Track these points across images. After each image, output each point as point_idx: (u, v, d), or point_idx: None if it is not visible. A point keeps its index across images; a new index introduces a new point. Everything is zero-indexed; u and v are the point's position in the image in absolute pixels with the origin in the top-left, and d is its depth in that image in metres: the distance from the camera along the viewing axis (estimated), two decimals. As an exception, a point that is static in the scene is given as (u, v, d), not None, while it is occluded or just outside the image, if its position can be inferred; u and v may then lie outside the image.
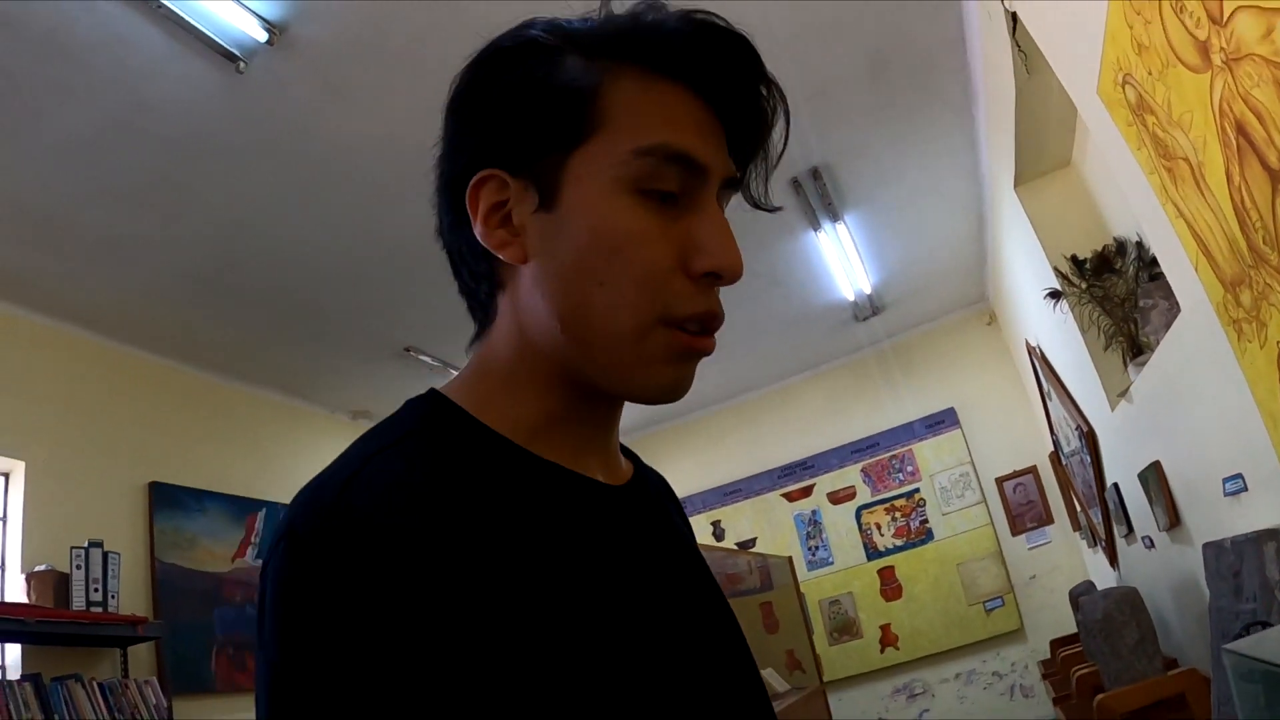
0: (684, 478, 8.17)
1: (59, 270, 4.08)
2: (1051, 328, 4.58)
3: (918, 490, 7.36)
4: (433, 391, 0.71)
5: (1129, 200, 2.73)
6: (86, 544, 3.95)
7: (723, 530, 7.99)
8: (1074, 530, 6.46)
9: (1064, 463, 5.70)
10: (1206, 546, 2.70)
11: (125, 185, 3.65)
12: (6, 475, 4.07)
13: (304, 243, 4.33)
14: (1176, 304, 2.71)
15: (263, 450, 5.63)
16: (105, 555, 3.99)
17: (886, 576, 7.30)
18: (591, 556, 0.66)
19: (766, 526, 7.84)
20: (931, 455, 7.37)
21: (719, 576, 3.91)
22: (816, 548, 7.62)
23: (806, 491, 7.77)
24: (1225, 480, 2.65)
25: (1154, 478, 3.43)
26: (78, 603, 3.81)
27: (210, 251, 4.23)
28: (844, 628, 7.33)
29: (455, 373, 0.81)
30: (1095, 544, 5.44)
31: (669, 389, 0.69)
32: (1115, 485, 4.28)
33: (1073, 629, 5.36)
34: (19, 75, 3.00)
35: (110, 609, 3.93)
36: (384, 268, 4.51)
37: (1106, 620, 3.35)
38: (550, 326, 0.68)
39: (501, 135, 0.68)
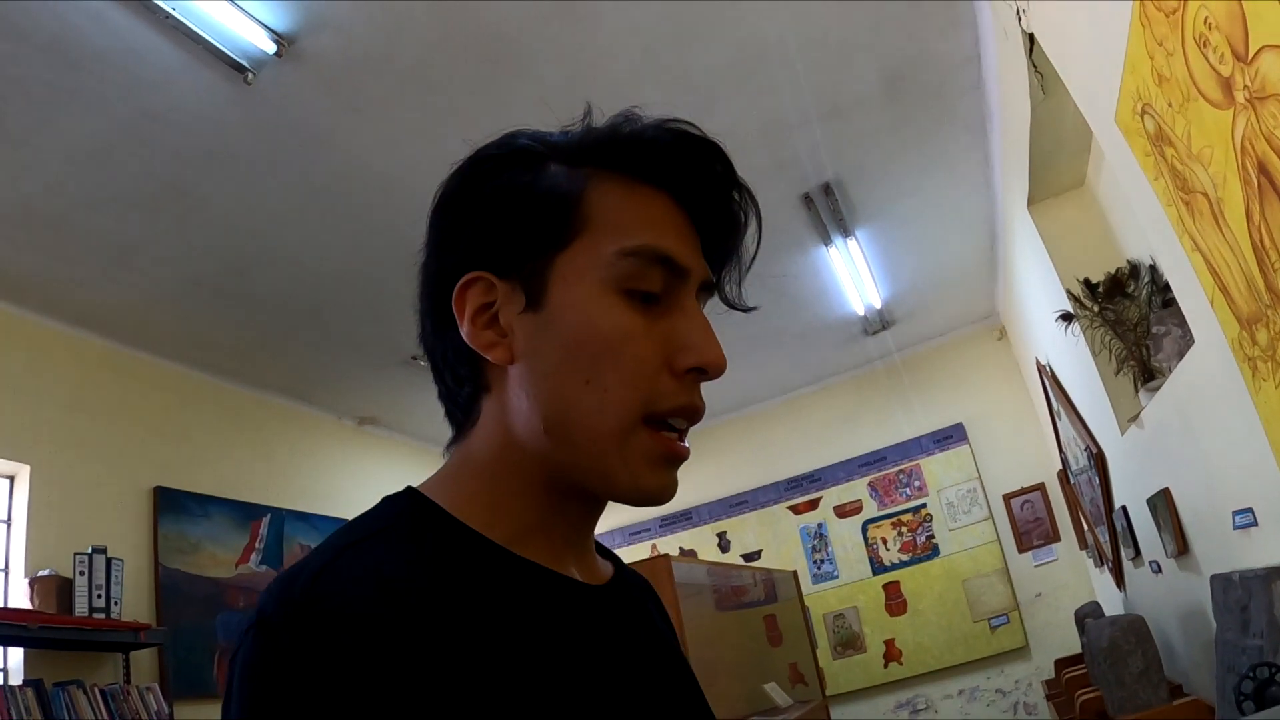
0: (690, 488, 8.15)
1: (67, 274, 4.09)
2: (1062, 348, 4.55)
3: (924, 505, 7.33)
4: (410, 489, 0.71)
5: (1145, 229, 2.70)
6: (90, 549, 3.95)
7: (728, 542, 7.97)
8: (1081, 549, 6.42)
9: (1072, 481, 5.67)
10: (1215, 579, 2.67)
11: (134, 192, 3.65)
12: (11, 479, 4.07)
13: (311, 251, 4.33)
14: (1189, 332, 2.68)
15: (268, 456, 5.62)
16: (109, 561, 3.99)
17: (891, 591, 7.27)
18: (565, 655, 0.65)
19: (772, 539, 7.82)
20: (939, 470, 7.34)
21: (724, 589, 3.89)
22: (822, 561, 7.59)
23: (813, 504, 7.74)
24: (1235, 513, 2.62)
25: (1163, 505, 3.40)
26: (80, 608, 3.81)
27: (218, 258, 4.23)
28: (848, 642, 7.30)
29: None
30: (1102, 564, 5.41)
31: (654, 493, 0.70)
32: (1124, 508, 4.25)
33: (1078, 648, 5.33)
34: (30, 82, 3.00)
35: (113, 615, 3.93)
36: (390, 276, 4.48)
37: (1112, 648, 3.32)
38: (535, 428, 0.68)
39: (489, 238, 0.70)
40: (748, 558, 7.71)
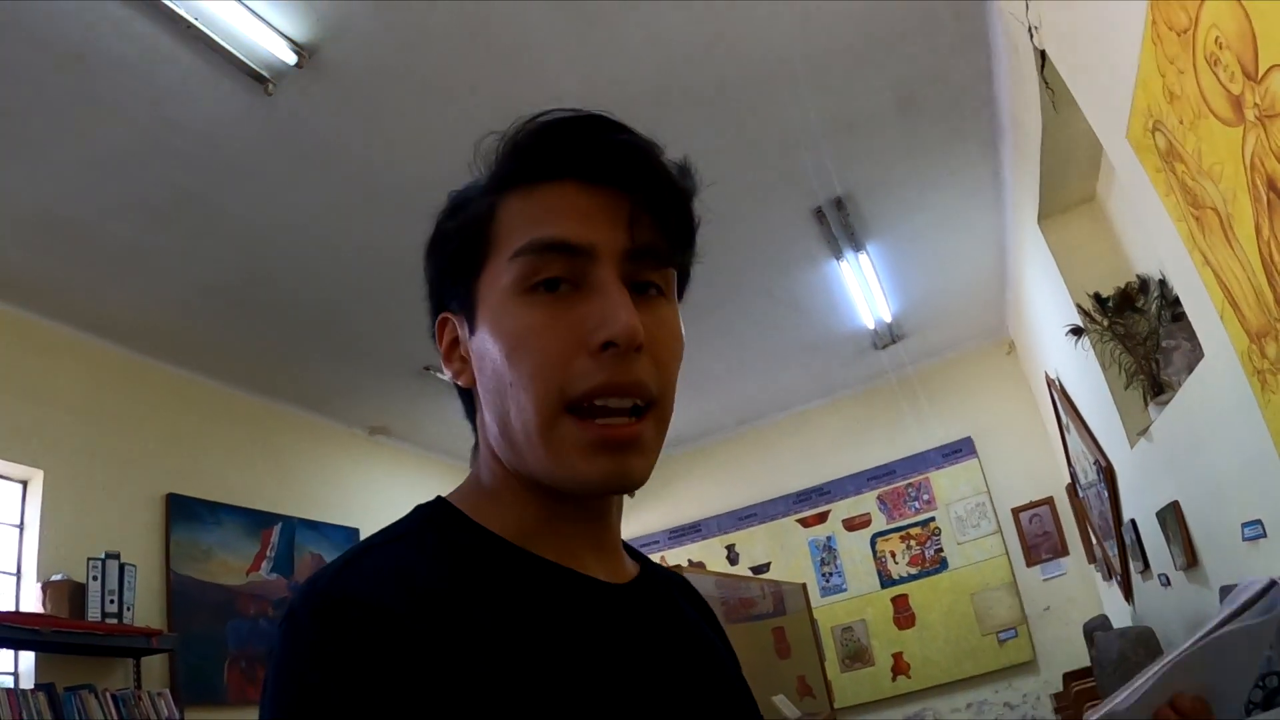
0: (700, 501, 8.17)
1: (85, 281, 4.12)
2: (1071, 362, 4.56)
3: (933, 519, 7.32)
4: (439, 498, 0.75)
5: (1155, 244, 2.72)
6: (103, 555, 3.98)
7: (737, 555, 7.96)
8: (1089, 563, 6.41)
9: (1081, 495, 5.66)
10: (1224, 590, 2.68)
11: (153, 200, 3.69)
12: (25, 484, 4.10)
13: (326, 261, 4.37)
14: (1199, 346, 2.69)
15: (280, 464, 5.65)
16: (121, 567, 4.02)
17: (900, 604, 7.26)
18: (582, 652, 0.66)
19: (781, 552, 7.81)
20: (948, 484, 7.33)
21: (732, 601, 3.90)
22: (830, 574, 7.59)
23: (822, 518, 7.74)
24: (1244, 525, 2.63)
25: (1172, 517, 3.40)
26: (93, 613, 3.83)
27: (234, 267, 4.27)
28: (856, 655, 7.29)
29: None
30: (1110, 578, 5.40)
31: (598, 481, 0.69)
32: (1133, 522, 4.25)
33: (1086, 662, 5.31)
34: (51, 89, 3.04)
35: (125, 620, 3.95)
36: (405, 287, 4.46)
37: (1122, 660, 3.33)
38: (498, 439, 0.74)
39: (437, 281, 0.79)
40: (756, 570, 7.71)
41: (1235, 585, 2.51)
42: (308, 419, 6.08)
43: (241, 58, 3.07)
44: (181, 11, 2.84)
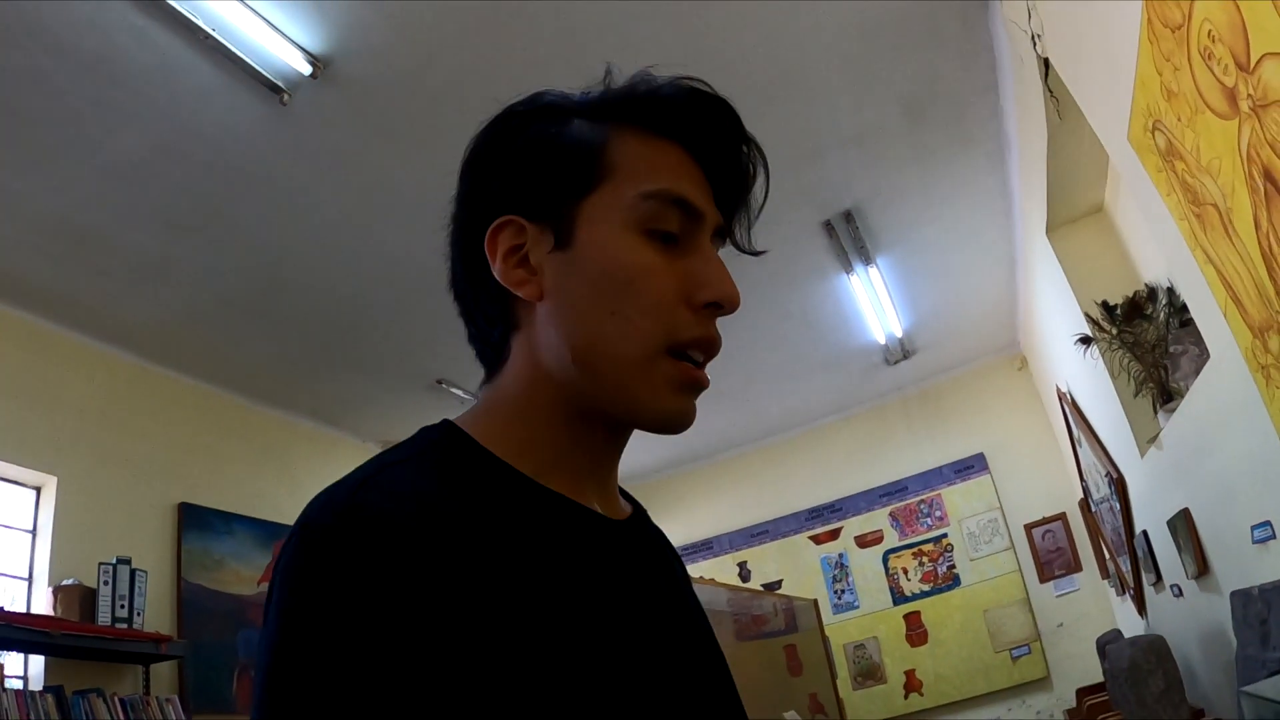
0: (711, 518, 8.15)
1: (101, 290, 4.17)
2: (1082, 373, 4.55)
3: (946, 535, 7.29)
4: (446, 421, 0.75)
5: (1159, 245, 2.73)
6: (115, 560, 4.00)
7: (749, 571, 7.94)
8: (1103, 578, 6.36)
9: (1093, 510, 5.63)
10: (1234, 595, 2.67)
11: (169, 210, 3.74)
12: (39, 489, 4.13)
13: (341, 272, 4.40)
14: (1207, 350, 2.70)
15: (293, 476, 5.68)
16: (133, 572, 4.04)
17: (912, 622, 7.21)
18: (584, 580, 0.68)
19: (793, 569, 7.78)
20: (960, 500, 7.30)
21: (744, 617, 3.89)
22: (843, 591, 7.55)
23: (834, 534, 7.71)
24: (1254, 528, 2.62)
25: (1183, 525, 3.39)
26: (103, 618, 3.85)
27: (248, 278, 4.31)
28: (868, 672, 7.24)
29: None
30: (1124, 592, 5.37)
31: (675, 417, 0.74)
32: (1144, 533, 4.23)
33: (1100, 677, 5.26)
34: (70, 97, 3.09)
35: (135, 626, 3.97)
36: (419, 300, 4.54)
37: (1133, 668, 3.31)
38: (564, 358, 0.73)
39: (520, 184, 0.76)
40: (769, 587, 7.67)
41: (1246, 590, 2.51)
42: (321, 431, 6.11)
43: (257, 68, 3.11)
44: (199, 21, 2.89)
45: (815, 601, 6.68)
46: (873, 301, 5.75)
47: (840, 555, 7.64)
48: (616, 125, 0.76)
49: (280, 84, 3.21)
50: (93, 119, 3.20)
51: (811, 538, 7.79)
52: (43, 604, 3.86)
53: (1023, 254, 5.34)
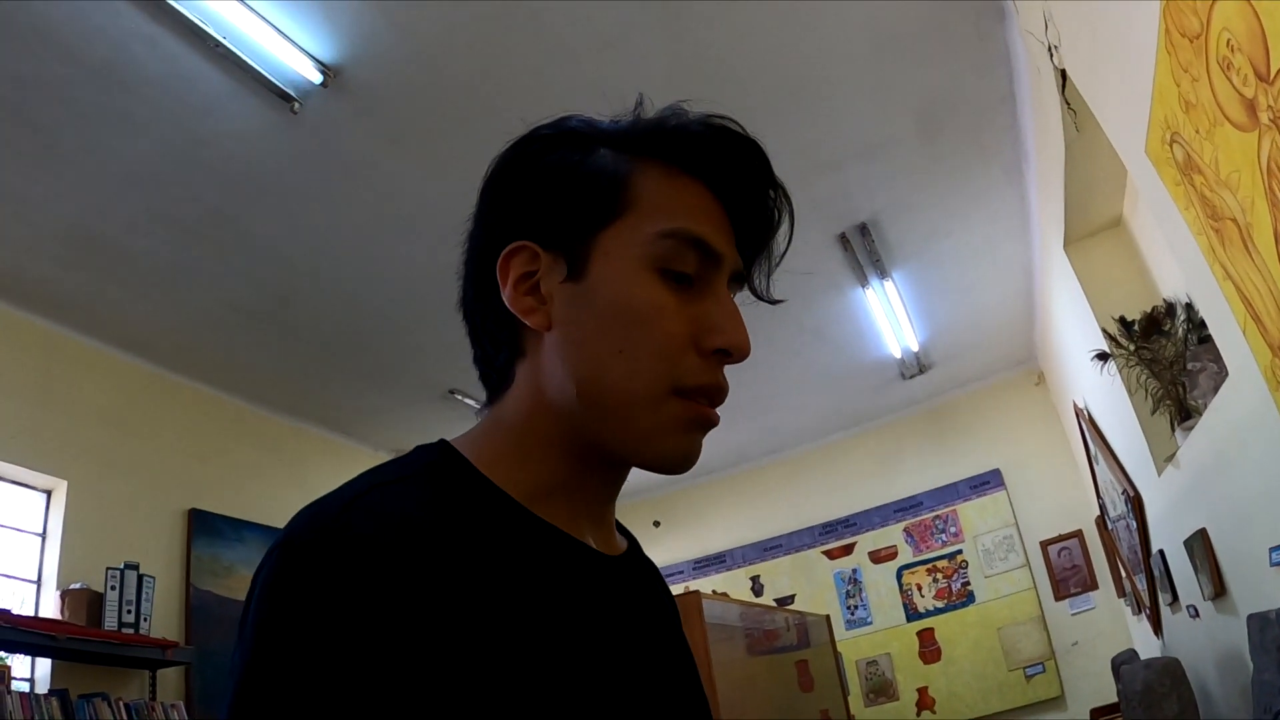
0: (725, 531, 8.12)
1: (114, 296, 4.18)
2: (1099, 389, 4.49)
3: (960, 552, 7.22)
4: (443, 441, 0.73)
5: (1177, 261, 2.68)
6: (123, 565, 4.01)
7: (762, 586, 7.89)
8: (1118, 597, 6.28)
9: (1110, 527, 5.56)
10: (1251, 618, 2.61)
11: (181, 217, 3.74)
12: (49, 493, 4.14)
13: (352, 281, 4.40)
14: (1225, 368, 2.65)
15: (304, 484, 5.67)
16: (140, 578, 4.04)
17: (926, 638, 7.15)
18: (569, 616, 0.67)
19: (806, 583, 7.73)
20: (975, 516, 7.23)
21: (756, 632, 3.84)
22: (856, 607, 7.49)
23: (848, 549, 7.66)
24: (1272, 550, 2.56)
25: (1200, 546, 3.33)
26: (110, 623, 3.85)
27: (261, 286, 4.31)
28: (880, 689, 7.17)
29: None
30: (1139, 611, 5.29)
31: (677, 458, 0.73)
32: (1161, 552, 4.17)
33: (1114, 697, 5.19)
34: (82, 104, 3.10)
35: (142, 631, 3.97)
36: (431, 310, 4.52)
37: (1147, 691, 3.25)
38: (568, 391, 0.71)
39: (538, 210, 0.74)
40: (781, 602, 7.62)
41: (1264, 614, 2.45)
42: (332, 440, 6.12)
43: (268, 76, 3.12)
44: (210, 30, 2.89)
45: (828, 617, 6.62)
46: (888, 315, 5.72)
47: (854, 570, 7.59)
48: (641, 158, 0.75)
49: (291, 92, 3.21)
50: (104, 126, 3.21)
51: (825, 552, 7.75)
52: (50, 607, 3.86)
53: (1040, 267, 5.29)
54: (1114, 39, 2.43)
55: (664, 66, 3.44)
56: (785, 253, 0.82)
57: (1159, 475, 3.84)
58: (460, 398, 5.61)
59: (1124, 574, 5.58)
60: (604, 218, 0.72)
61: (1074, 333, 4.80)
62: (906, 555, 7.42)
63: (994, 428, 7.33)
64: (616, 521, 0.84)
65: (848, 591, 7.57)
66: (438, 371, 5.33)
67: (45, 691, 3.50)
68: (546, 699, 0.60)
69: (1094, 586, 6.66)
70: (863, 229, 4.77)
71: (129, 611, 3.92)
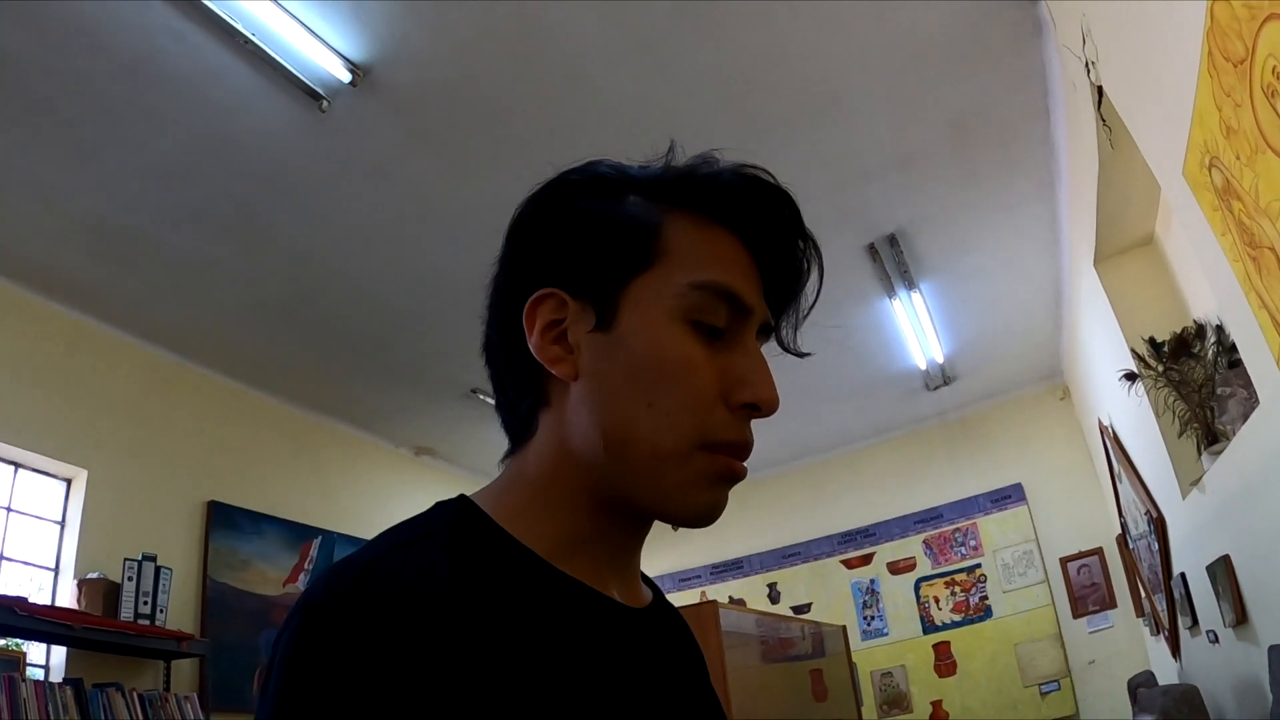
0: (743, 538, 8.08)
1: (138, 288, 4.21)
2: (1125, 408, 4.43)
3: (979, 565, 7.16)
4: (463, 497, 0.72)
5: (1211, 286, 2.63)
6: (140, 556, 4.03)
7: (779, 593, 7.86)
8: (1137, 616, 6.20)
9: (1131, 547, 5.50)
10: (1273, 649, 2.57)
11: (206, 212, 3.76)
12: (69, 481, 4.17)
13: (376, 279, 4.41)
14: (1255, 393, 2.60)
15: (323, 479, 5.69)
16: (157, 569, 4.06)
17: (941, 652, 7.09)
18: (596, 672, 0.66)
19: (823, 592, 7.69)
20: (996, 530, 7.16)
21: (771, 640, 3.82)
22: (872, 617, 7.45)
23: (866, 560, 7.61)
24: (1298, 583, 2.52)
25: (1223, 572, 3.28)
26: (126, 613, 3.87)
27: (286, 281, 4.33)
28: (894, 701, 7.12)
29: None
30: (1158, 632, 5.23)
31: (705, 512, 0.71)
32: (1182, 575, 4.11)
33: (1130, 717, 5.14)
34: (112, 98, 3.11)
35: (158, 622, 3.99)
36: (455, 309, 4.53)
37: (1164, 718, 3.20)
38: (594, 443, 0.70)
39: (566, 257, 0.72)
40: (798, 610, 7.60)
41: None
42: (354, 435, 6.13)
43: (297, 74, 3.12)
44: (239, 26, 2.90)
45: (844, 628, 6.59)
46: (914, 326, 5.67)
47: (871, 581, 7.54)
48: (672, 207, 0.73)
49: (320, 91, 3.21)
50: (133, 120, 3.22)
51: (843, 562, 7.71)
52: (67, 596, 3.88)
53: (1069, 283, 5.23)
54: (1154, 58, 2.39)
55: (702, 73, 3.42)
56: (813, 306, 0.80)
57: (1183, 498, 3.79)
58: (482, 397, 5.61)
59: (1144, 594, 5.51)
60: (635, 267, 0.71)
61: (1101, 350, 4.75)
62: (925, 567, 7.37)
63: (1017, 442, 7.26)
64: (642, 573, 0.82)
65: (865, 602, 7.53)
66: (460, 370, 5.33)
67: (60, 680, 3.52)
68: None
69: (1113, 605, 6.57)
70: (891, 240, 4.73)
71: (145, 602, 3.94)
